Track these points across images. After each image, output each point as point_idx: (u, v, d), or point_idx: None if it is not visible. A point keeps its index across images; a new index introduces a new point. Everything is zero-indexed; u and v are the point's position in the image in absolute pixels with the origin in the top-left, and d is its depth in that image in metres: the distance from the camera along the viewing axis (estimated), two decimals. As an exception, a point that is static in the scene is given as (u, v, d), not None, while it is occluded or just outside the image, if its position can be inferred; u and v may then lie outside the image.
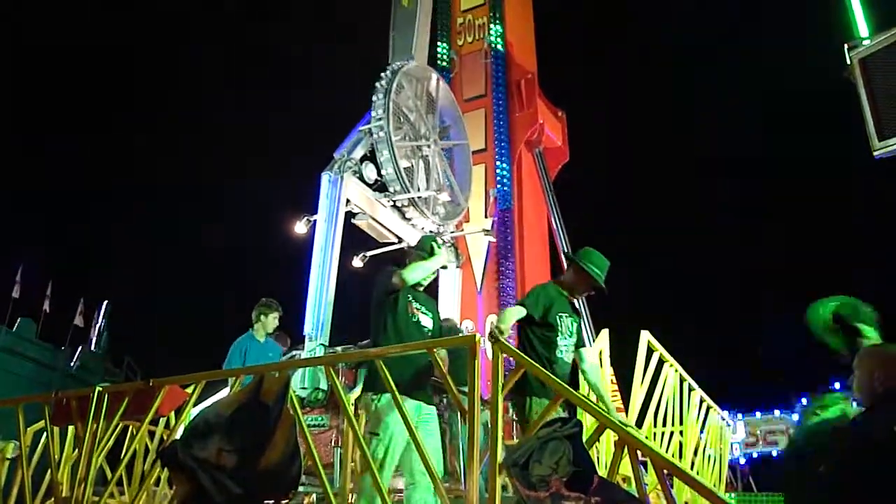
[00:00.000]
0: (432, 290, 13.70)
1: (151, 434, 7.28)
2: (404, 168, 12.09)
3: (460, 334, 7.30)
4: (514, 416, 5.66)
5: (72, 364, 24.38)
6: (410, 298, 5.37)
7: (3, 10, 34.45)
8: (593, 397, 5.72)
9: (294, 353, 9.04)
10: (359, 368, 7.38)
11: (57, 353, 24.10)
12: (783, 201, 36.18)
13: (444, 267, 5.81)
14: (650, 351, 7.28)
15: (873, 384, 3.39)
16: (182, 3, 45.46)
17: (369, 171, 11.70)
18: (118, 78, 46.27)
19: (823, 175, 30.80)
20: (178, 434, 5.09)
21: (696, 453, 8.52)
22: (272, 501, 4.43)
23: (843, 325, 4.59)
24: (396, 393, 4.48)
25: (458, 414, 4.61)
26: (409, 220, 12.53)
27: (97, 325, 26.60)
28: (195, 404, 5.66)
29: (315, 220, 10.88)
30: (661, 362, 7.49)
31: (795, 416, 21.68)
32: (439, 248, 5.64)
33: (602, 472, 3.81)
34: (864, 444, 3.14)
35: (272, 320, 8.33)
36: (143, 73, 45.43)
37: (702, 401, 8.77)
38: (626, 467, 4.57)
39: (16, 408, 6.39)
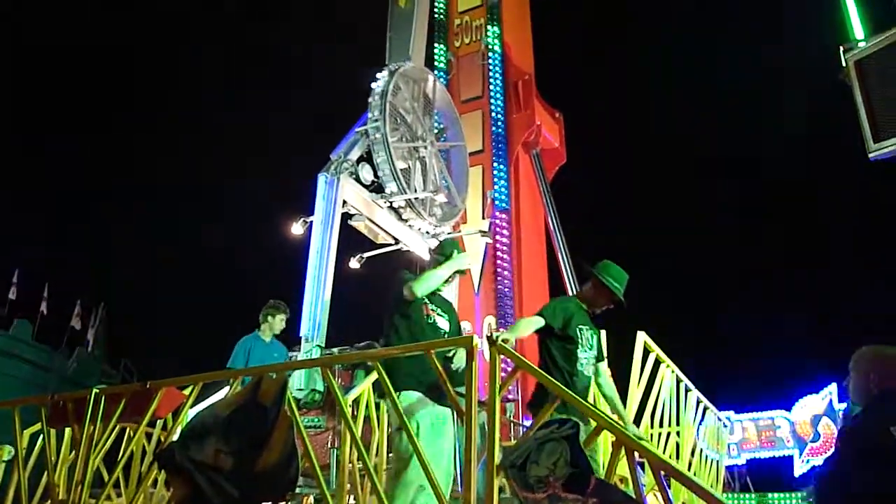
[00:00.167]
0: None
1: (149, 436, 7.28)
2: (401, 169, 12.08)
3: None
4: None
5: (68, 366, 24.34)
6: (426, 300, 5.32)
7: (3, 10, 34.40)
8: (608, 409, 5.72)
9: (290, 355, 9.04)
10: (355, 370, 7.39)
11: (53, 355, 24.07)
12: (781, 202, 36.24)
13: (461, 272, 5.70)
14: (646, 352, 7.28)
15: (869, 385, 3.40)
16: (182, 3, 45.51)
17: (366, 173, 11.70)
18: (116, 78, 46.30)
19: (820, 176, 30.86)
20: (176, 436, 5.09)
21: (692, 454, 8.53)
22: (270, 503, 4.43)
23: None
24: (392, 392, 4.48)
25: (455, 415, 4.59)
26: (406, 221, 12.54)
27: (94, 327, 26.57)
28: (192, 406, 5.65)
29: (311, 222, 10.88)
30: (657, 363, 7.50)
31: (792, 416, 21.73)
32: (459, 253, 5.57)
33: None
34: (861, 444, 3.15)
35: (279, 322, 8.36)
36: (141, 72, 45.42)
37: (698, 401, 8.79)
38: (623, 468, 4.59)
39: (12, 410, 6.38)
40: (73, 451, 5.90)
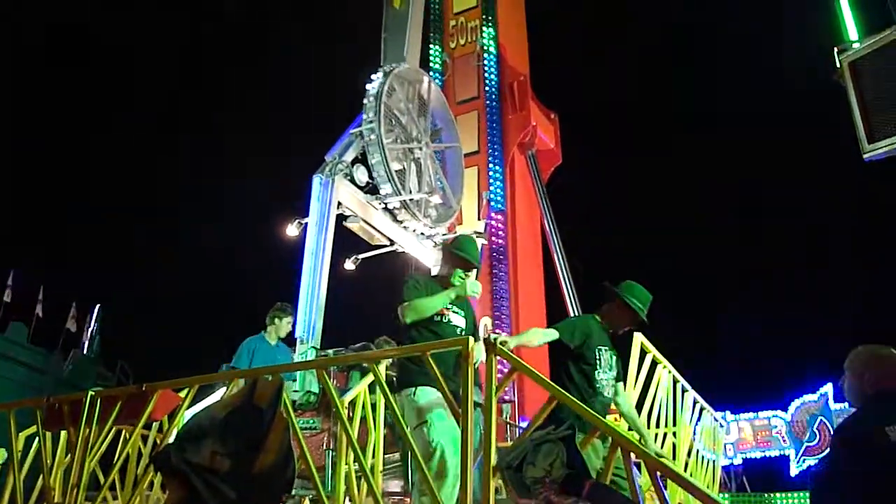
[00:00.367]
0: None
1: (144, 438, 7.27)
2: (396, 171, 12.09)
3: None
4: None
5: (64, 369, 24.29)
6: None
7: (3, 10, 34.34)
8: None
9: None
10: (351, 371, 7.39)
11: (49, 357, 24.01)
12: (779, 201, 36.32)
13: (478, 269, 5.61)
14: (643, 352, 7.29)
15: (864, 385, 3.40)
16: (182, 3, 45.51)
17: (360, 174, 11.71)
18: (115, 77, 46.23)
19: (816, 176, 30.91)
20: (172, 438, 5.09)
21: (689, 454, 8.54)
22: (266, 505, 4.43)
23: None
24: (387, 390, 4.48)
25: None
26: (401, 222, 12.55)
27: (89, 329, 26.53)
28: (188, 407, 5.65)
29: (306, 223, 10.88)
30: (654, 364, 7.50)
31: (788, 416, 21.76)
32: (473, 249, 5.49)
33: None
34: (856, 444, 3.15)
35: (285, 325, 8.37)
36: (140, 72, 45.33)
37: (695, 402, 8.80)
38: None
39: (7, 413, 6.37)
40: (69, 454, 5.89)
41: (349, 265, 13.26)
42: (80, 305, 26.14)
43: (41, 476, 6.15)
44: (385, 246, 12.70)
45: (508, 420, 11.93)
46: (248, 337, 8.30)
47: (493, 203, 20.16)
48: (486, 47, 22.10)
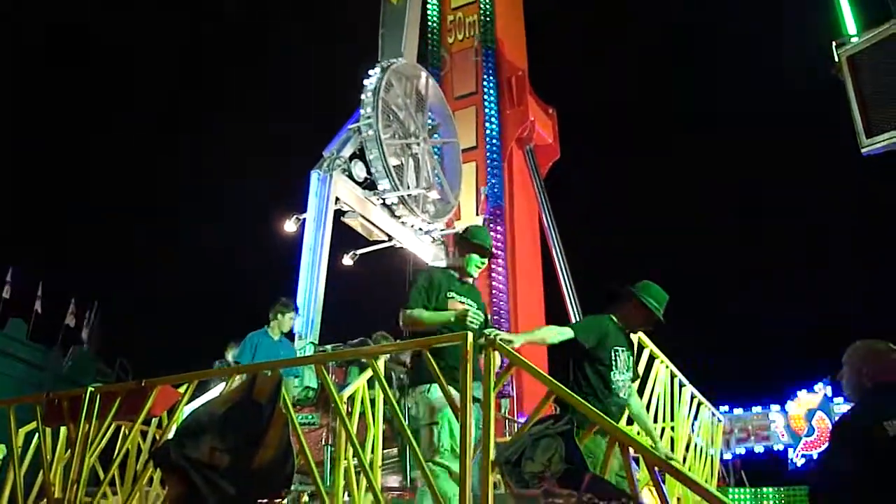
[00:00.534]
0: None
1: (144, 434, 7.28)
2: (394, 166, 12.11)
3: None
4: None
5: (63, 365, 24.30)
6: (453, 294, 5.17)
7: (3, 10, 34.27)
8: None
9: None
10: (349, 367, 7.40)
11: (48, 353, 24.02)
12: (778, 201, 36.33)
13: (483, 264, 5.60)
14: (641, 348, 7.29)
15: (861, 379, 3.41)
16: (182, 3, 45.42)
17: (358, 170, 11.73)
18: (115, 76, 46.18)
19: (816, 175, 30.92)
20: (171, 434, 5.09)
21: (687, 449, 8.55)
22: (265, 500, 4.44)
23: None
24: (385, 386, 4.48)
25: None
26: (399, 218, 12.57)
27: (88, 326, 26.52)
28: (187, 403, 5.65)
29: (304, 219, 10.89)
30: (651, 359, 7.51)
31: (787, 411, 21.81)
32: (486, 240, 5.49)
33: None
34: (854, 439, 3.16)
35: (288, 320, 8.38)
36: (140, 71, 45.28)
37: (693, 397, 8.81)
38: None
39: (7, 409, 6.38)
40: (69, 450, 5.90)
41: (347, 260, 13.27)
42: (79, 302, 26.15)
43: (41, 472, 6.15)
44: (383, 241, 12.73)
45: (507, 415, 11.95)
46: (250, 332, 8.32)
47: (491, 198, 20.15)
48: (484, 42, 22.07)
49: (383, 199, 12.12)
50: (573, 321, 18.11)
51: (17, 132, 37.38)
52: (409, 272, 13.97)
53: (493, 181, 20.41)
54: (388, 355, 5.60)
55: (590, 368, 5.09)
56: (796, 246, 33.86)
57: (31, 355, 23.23)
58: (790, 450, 21.55)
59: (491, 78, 21.67)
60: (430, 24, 22.08)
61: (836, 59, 6.39)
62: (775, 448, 21.87)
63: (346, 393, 5.09)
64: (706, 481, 8.89)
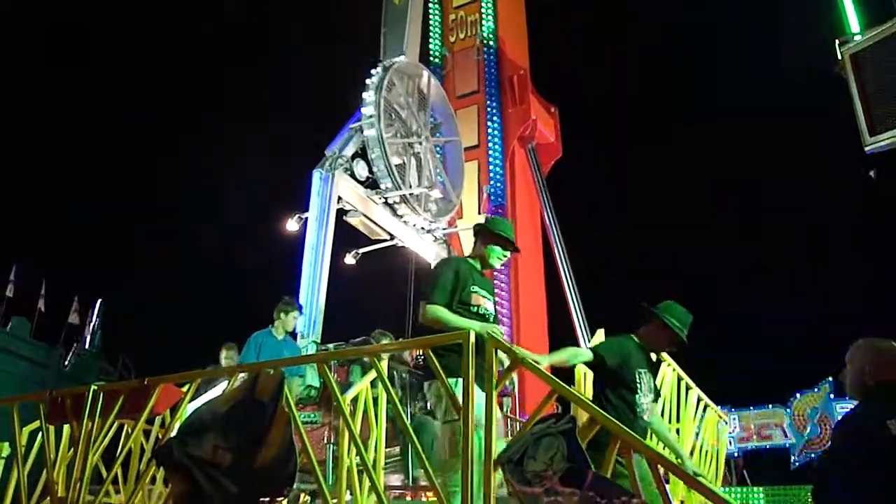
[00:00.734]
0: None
1: (147, 433, 7.28)
2: (396, 165, 12.11)
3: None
4: None
5: (66, 363, 24.33)
6: (475, 288, 5.07)
7: (3, 10, 34.30)
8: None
9: None
10: (351, 366, 7.40)
11: (51, 351, 24.03)
12: (779, 197, 36.29)
13: (506, 256, 5.52)
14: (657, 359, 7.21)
15: (864, 378, 3.41)
16: (182, 3, 45.44)
17: (360, 169, 11.73)
18: (116, 76, 46.20)
19: (818, 172, 30.88)
20: (174, 432, 5.10)
21: (692, 452, 8.52)
22: (268, 499, 4.44)
23: None
24: (388, 385, 4.48)
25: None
26: (401, 217, 12.56)
27: (91, 324, 26.53)
28: (190, 402, 5.66)
29: (306, 218, 10.89)
30: (658, 362, 7.46)
31: (790, 410, 21.80)
32: (508, 231, 5.40)
33: None
34: (857, 437, 3.16)
35: (291, 319, 8.40)
36: (141, 71, 45.30)
37: (699, 399, 8.77)
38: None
39: (10, 407, 6.38)
40: (72, 448, 5.90)
41: (349, 259, 13.28)
42: (82, 300, 26.18)
43: (45, 470, 6.16)
44: (385, 240, 12.72)
45: (509, 414, 11.94)
46: (254, 332, 8.33)
47: (493, 197, 20.16)
48: (485, 41, 22.10)
49: (385, 198, 12.12)
50: (577, 325, 18.14)
51: (17, 132, 37.44)
52: (411, 271, 13.99)
53: (496, 180, 20.43)
54: (390, 354, 5.59)
55: (613, 394, 5.03)
56: (797, 243, 33.86)
57: (35, 353, 23.24)
58: (793, 448, 21.53)
59: (493, 77, 21.68)
60: (431, 22, 22.11)
61: (840, 58, 6.39)
62: (778, 447, 21.85)
63: (350, 395, 5.08)
64: (711, 482, 8.87)
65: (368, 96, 11.92)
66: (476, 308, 5.01)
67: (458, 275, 5.05)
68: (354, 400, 5.16)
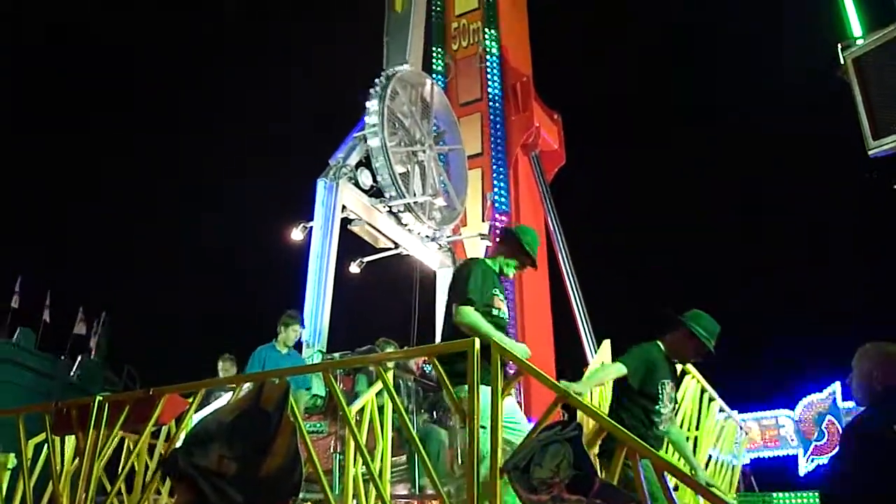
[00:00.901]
0: (430, 292, 13.74)
1: (152, 445, 7.27)
2: (400, 174, 12.11)
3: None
4: None
5: (71, 373, 24.35)
6: (497, 292, 5.05)
7: (3, 9, 34.42)
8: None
9: None
10: (357, 374, 7.39)
11: (56, 362, 24.06)
12: (779, 197, 36.23)
13: (523, 267, 5.50)
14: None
15: (872, 383, 3.39)
16: (182, 3, 45.58)
17: (365, 177, 11.74)
18: (117, 78, 46.29)
19: (817, 170, 30.83)
20: (179, 442, 5.09)
21: (707, 463, 8.42)
22: (274, 509, 4.43)
23: None
24: (394, 394, 4.47)
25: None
26: (406, 225, 12.56)
27: (97, 334, 26.56)
28: (196, 412, 5.66)
29: (311, 227, 10.90)
30: (682, 373, 7.31)
31: (796, 415, 21.70)
32: (534, 242, 5.39)
33: None
34: (865, 442, 3.15)
35: (292, 333, 8.39)
36: (142, 73, 45.40)
37: (720, 410, 8.68)
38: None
39: (16, 418, 6.38)
40: (77, 459, 5.90)
41: (354, 268, 13.28)
42: (87, 310, 26.21)
43: (50, 481, 6.15)
44: (389, 249, 12.72)
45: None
46: (258, 345, 8.33)
47: (497, 205, 20.16)
48: (488, 49, 22.13)
49: (389, 207, 12.12)
50: (581, 331, 18.06)
51: (17, 133, 37.52)
52: (415, 279, 13.98)
53: (499, 187, 20.44)
54: (395, 363, 5.59)
55: (632, 402, 5.03)
56: (797, 243, 33.79)
57: (40, 364, 23.27)
58: (800, 454, 21.43)
59: (496, 84, 21.71)
60: (434, 31, 22.15)
61: (842, 62, 6.38)
62: (785, 453, 21.75)
63: (356, 407, 5.07)
64: (725, 492, 8.81)
65: (372, 105, 11.93)
66: (498, 310, 4.99)
67: (486, 278, 5.04)
68: (360, 411, 5.15)
